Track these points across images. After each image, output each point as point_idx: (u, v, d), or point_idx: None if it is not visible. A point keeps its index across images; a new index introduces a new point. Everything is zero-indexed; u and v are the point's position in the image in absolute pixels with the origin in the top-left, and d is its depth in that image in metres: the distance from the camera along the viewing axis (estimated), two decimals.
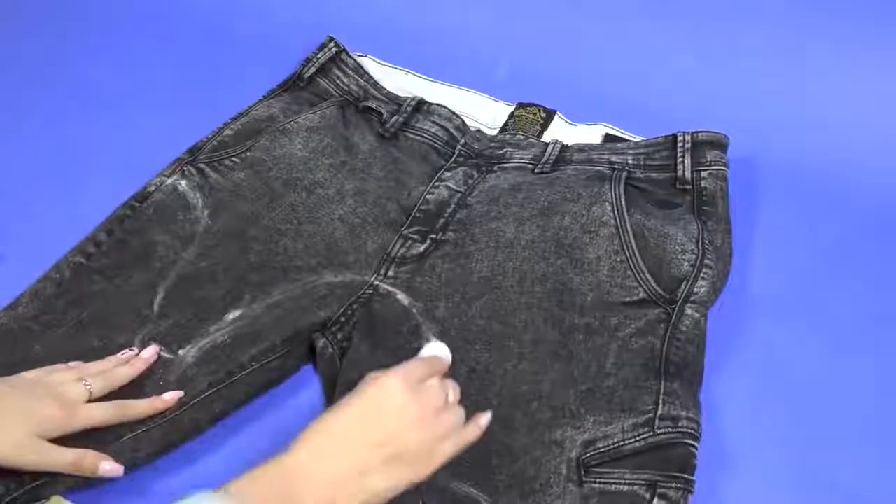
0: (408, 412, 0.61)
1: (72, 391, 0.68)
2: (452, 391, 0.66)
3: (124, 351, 0.74)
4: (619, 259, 0.77)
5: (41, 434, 0.65)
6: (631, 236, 0.78)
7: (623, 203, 0.80)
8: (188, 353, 0.74)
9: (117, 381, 0.71)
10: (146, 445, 0.70)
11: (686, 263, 0.77)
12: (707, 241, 0.79)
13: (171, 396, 0.72)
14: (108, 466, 0.67)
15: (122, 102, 0.99)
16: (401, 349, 0.75)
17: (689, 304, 0.75)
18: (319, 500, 0.58)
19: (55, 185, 0.91)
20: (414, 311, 0.77)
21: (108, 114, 0.98)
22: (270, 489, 0.57)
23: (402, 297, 0.78)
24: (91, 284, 0.78)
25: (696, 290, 0.76)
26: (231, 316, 0.77)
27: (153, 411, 0.71)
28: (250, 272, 0.79)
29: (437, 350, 0.71)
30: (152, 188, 0.85)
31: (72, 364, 0.72)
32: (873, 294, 0.83)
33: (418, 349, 0.73)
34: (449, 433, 0.63)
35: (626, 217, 0.79)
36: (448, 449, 0.63)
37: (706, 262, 0.77)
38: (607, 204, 0.80)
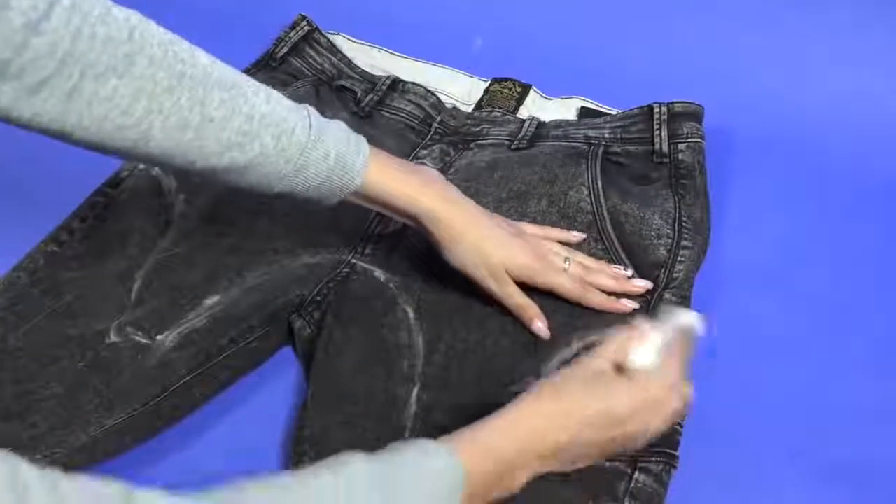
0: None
1: (554, 258, 0.74)
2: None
3: (619, 267, 0.76)
4: (599, 248, 0.77)
5: (508, 270, 0.72)
6: (608, 224, 0.78)
7: (600, 185, 0.80)
8: (167, 338, 0.73)
9: (593, 280, 0.74)
10: (129, 432, 0.70)
11: (662, 249, 0.77)
12: (685, 218, 0.79)
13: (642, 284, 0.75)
14: (541, 325, 0.72)
15: None
16: (373, 325, 0.74)
17: (667, 291, 0.75)
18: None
19: (25, 172, 0.89)
20: (391, 285, 0.77)
21: None
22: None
23: (380, 274, 0.78)
24: (66, 272, 0.77)
25: (674, 275, 0.76)
26: (209, 301, 0.76)
27: (610, 307, 0.73)
28: (227, 255, 0.79)
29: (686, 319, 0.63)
30: (125, 173, 0.84)
31: (562, 240, 0.77)
32: (850, 264, 0.83)
33: (392, 323, 0.72)
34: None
35: (603, 202, 0.79)
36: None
37: (683, 243, 0.78)
38: (584, 188, 0.80)
